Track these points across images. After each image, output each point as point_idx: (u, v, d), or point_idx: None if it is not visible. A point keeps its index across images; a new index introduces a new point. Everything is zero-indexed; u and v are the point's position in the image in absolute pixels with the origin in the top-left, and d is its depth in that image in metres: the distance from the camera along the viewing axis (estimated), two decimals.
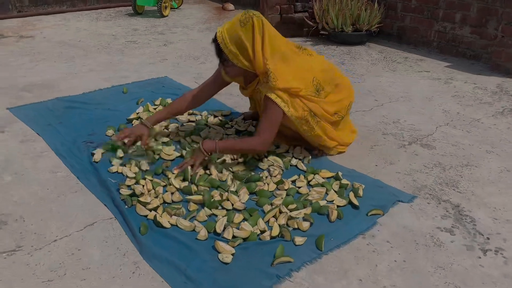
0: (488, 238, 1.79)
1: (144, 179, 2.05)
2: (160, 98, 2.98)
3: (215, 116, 2.76)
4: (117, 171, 2.15)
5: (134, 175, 2.08)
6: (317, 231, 1.79)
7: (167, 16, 5.79)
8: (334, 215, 1.86)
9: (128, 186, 2.02)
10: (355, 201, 1.96)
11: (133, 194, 1.95)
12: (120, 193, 1.96)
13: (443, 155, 2.43)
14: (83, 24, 5.27)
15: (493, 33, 3.96)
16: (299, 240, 1.72)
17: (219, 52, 2.10)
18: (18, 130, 2.58)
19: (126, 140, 2.25)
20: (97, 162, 2.22)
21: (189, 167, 2.10)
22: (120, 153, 2.22)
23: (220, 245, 1.67)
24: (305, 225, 1.80)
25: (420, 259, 1.67)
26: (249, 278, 1.55)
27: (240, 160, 2.26)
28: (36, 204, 1.93)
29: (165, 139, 2.43)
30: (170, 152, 2.30)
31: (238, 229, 1.76)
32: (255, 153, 2.24)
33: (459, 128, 2.77)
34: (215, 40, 2.08)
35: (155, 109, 2.83)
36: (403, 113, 2.97)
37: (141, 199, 1.90)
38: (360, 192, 2.01)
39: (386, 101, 3.17)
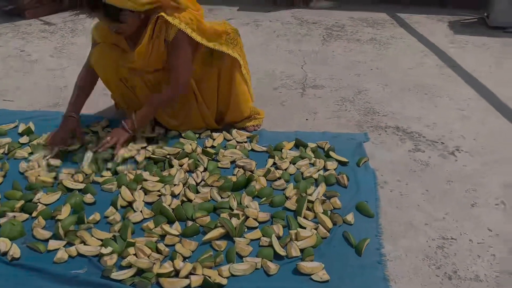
0: (442, 143, 2.11)
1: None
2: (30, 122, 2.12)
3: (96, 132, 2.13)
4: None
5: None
6: (345, 202, 1.72)
7: None
8: (345, 180, 1.80)
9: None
10: (342, 159, 1.94)
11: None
12: None
13: (332, 91, 2.61)
14: None
15: None
16: (350, 217, 1.62)
17: (108, 17, 1.78)
18: None
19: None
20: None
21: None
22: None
23: (304, 266, 1.40)
24: (338, 202, 1.69)
25: (435, 181, 1.84)
26: (362, 281, 1.39)
27: (201, 169, 1.87)
28: None
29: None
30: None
31: (296, 241, 1.51)
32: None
33: (320, 64, 3.00)
34: (95, 7, 1.74)
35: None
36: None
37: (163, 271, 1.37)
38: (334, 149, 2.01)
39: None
